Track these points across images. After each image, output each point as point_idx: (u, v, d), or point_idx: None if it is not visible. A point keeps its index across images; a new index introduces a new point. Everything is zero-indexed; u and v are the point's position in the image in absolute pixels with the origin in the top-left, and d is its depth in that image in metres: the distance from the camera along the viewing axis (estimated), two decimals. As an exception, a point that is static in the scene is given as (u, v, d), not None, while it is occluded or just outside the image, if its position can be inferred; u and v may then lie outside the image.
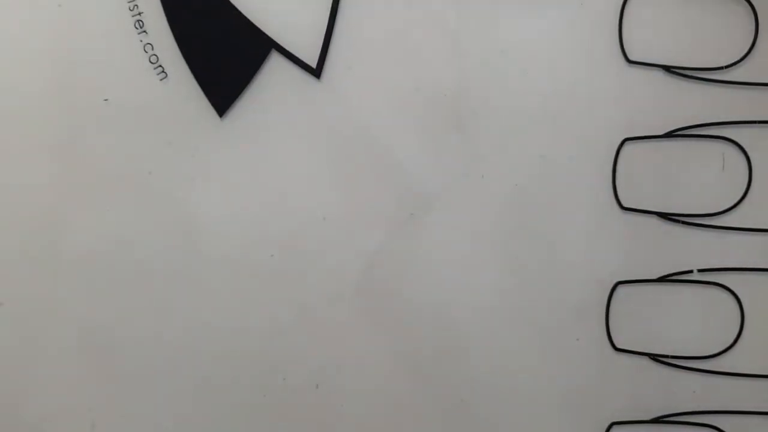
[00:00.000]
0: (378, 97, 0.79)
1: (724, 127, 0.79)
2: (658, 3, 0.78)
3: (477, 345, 0.81)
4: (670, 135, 0.79)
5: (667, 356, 0.81)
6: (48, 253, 0.80)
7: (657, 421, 0.81)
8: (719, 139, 0.79)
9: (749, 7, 0.77)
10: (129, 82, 0.78)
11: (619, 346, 0.81)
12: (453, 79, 0.79)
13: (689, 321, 0.81)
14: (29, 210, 0.79)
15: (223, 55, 0.78)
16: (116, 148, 0.79)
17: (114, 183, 0.79)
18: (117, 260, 0.80)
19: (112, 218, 0.80)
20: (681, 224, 0.80)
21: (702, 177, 0.80)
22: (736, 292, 0.80)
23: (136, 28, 0.78)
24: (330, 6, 0.77)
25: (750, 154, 0.79)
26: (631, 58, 0.78)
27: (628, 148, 0.79)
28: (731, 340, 0.81)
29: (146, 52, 0.78)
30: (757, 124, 0.78)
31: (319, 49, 0.78)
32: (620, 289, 0.80)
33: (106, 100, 0.78)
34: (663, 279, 0.80)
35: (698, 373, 0.81)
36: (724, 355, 0.81)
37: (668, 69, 0.78)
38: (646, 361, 0.81)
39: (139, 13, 0.77)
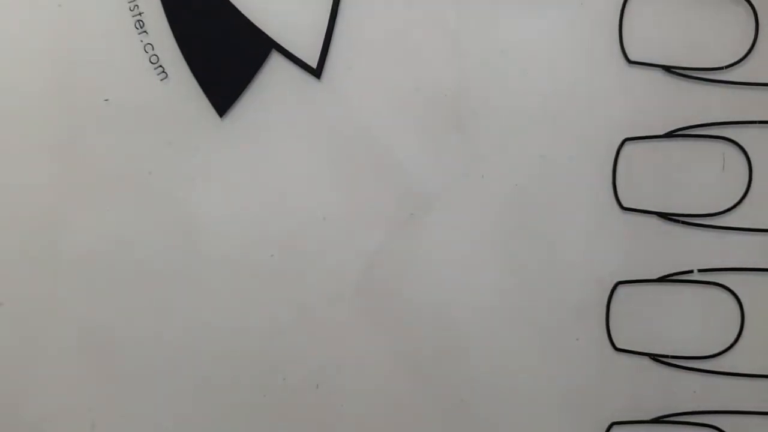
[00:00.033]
0: (378, 97, 0.79)
1: (724, 127, 0.79)
2: (658, 3, 0.78)
3: (477, 345, 0.81)
4: (671, 135, 0.79)
5: (667, 356, 0.81)
6: (48, 253, 0.80)
7: (657, 421, 0.81)
8: (719, 139, 0.79)
9: (749, 7, 0.78)
10: (129, 82, 0.78)
11: (619, 346, 0.81)
12: (453, 79, 0.79)
13: (689, 321, 0.81)
14: (29, 210, 0.79)
15: (223, 55, 0.78)
16: (116, 148, 0.79)
17: (114, 183, 0.79)
18: (117, 260, 0.80)
19: (112, 218, 0.80)
20: (681, 224, 0.80)
21: (702, 177, 0.80)
22: (736, 292, 0.80)
23: (137, 28, 0.78)
24: (330, 6, 0.77)
25: (750, 154, 0.79)
26: (632, 58, 0.78)
27: (628, 148, 0.79)
28: (731, 340, 0.81)
29: (146, 52, 0.78)
30: (757, 124, 0.79)
31: (320, 49, 0.78)
32: (620, 289, 0.80)
33: (106, 100, 0.78)
34: (663, 279, 0.80)
35: (698, 373, 0.81)
36: (724, 355, 0.81)
37: (668, 69, 0.78)
38: (646, 361, 0.81)
39: (140, 13, 0.77)
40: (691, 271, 0.80)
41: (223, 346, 0.81)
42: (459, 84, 0.79)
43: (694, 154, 0.79)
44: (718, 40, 0.78)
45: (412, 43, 0.79)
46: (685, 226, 0.80)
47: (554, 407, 0.82)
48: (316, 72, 0.78)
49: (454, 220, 0.80)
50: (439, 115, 0.79)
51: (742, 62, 0.78)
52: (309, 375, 0.82)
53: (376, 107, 0.79)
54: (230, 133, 0.79)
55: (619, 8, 0.78)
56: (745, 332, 0.80)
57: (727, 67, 0.78)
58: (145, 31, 0.78)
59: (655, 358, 0.81)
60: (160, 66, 0.78)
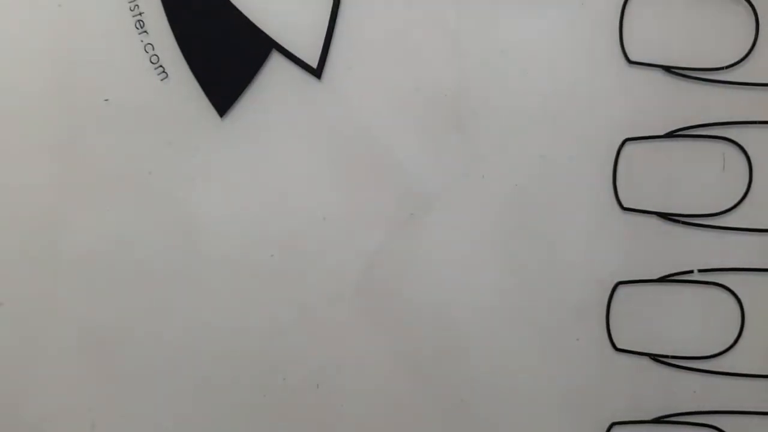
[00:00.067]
0: (378, 97, 0.79)
1: (725, 127, 0.79)
2: (659, 3, 0.78)
3: (477, 345, 0.81)
4: (671, 135, 0.79)
5: (667, 356, 0.81)
6: (48, 253, 0.80)
7: (657, 421, 0.81)
8: (719, 139, 0.79)
9: (749, 7, 0.77)
10: (129, 82, 0.78)
11: (619, 346, 0.81)
12: (453, 79, 0.79)
13: (689, 321, 0.81)
14: (29, 210, 0.79)
15: (223, 55, 0.78)
16: (116, 148, 0.79)
17: (114, 183, 0.79)
18: (117, 260, 0.80)
19: (112, 218, 0.80)
20: (681, 224, 0.80)
21: (702, 177, 0.80)
22: (737, 292, 0.80)
23: (137, 28, 0.78)
24: (330, 6, 0.77)
25: (750, 154, 0.79)
26: (632, 58, 0.78)
27: (628, 148, 0.79)
28: (731, 340, 0.81)
29: (147, 52, 0.78)
30: (757, 124, 0.79)
31: (320, 49, 0.78)
32: (620, 289, 0.80)
33: (106, 100, 0.78)
34: (663, 279, 0.80)
35: (698, 373, 0.81)
36: (724, 355, 0.81)
37: (668, 69, 0.78)
38: (646, 361, 0.81)
39: (140, 13, 0.77)
40: (692, 271, 0.80)
41: (223, 346, 0.81)
42: (459, 84, 0.79)
43: (695, 155, 0.79)
44: (718, 40, 0.78)
45: (412, 43, 0.79)
46: (686, 226, 0.80)
47: (554, 407, 0.82)
48: (317, 72, 0.78)
49: (454, 220, 0.80)
50: (439, 115, 0.79)
51: (742, 62, 0.78)
52: (309, 375, 0.82)
53: (376, 107, 0.79)
54: (230, 133, 0.79)
55: (620, 8, 0.78)
56: (745, 332, 0.80)
57: (727, 67, 0.78)
58: (145, 31, 0.78)
59: (655, 358, 0.81)
60: (161, 66, 0.78)
